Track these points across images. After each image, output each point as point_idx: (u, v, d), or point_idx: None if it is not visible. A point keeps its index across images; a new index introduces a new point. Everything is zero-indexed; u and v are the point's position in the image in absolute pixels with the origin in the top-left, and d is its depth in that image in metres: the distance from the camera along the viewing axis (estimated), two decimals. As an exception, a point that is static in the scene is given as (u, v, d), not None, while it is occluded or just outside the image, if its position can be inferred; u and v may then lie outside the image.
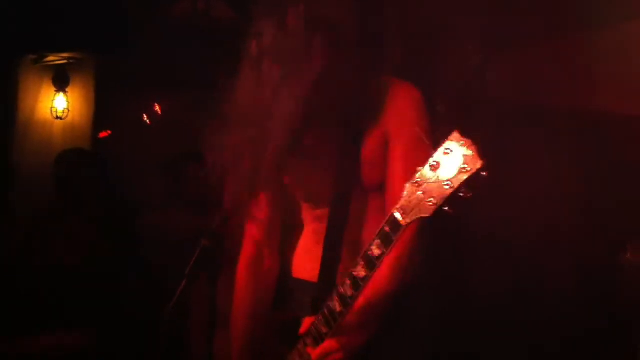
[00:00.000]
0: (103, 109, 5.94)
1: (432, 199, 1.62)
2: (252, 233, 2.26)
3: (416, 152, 1.95)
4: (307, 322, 2.04)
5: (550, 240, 3.59)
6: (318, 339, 1.98)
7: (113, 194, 3.71)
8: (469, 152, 1.57)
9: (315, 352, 1.95)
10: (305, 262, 2.20)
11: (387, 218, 1.75)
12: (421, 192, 1.62)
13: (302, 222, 2.24)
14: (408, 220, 1.70)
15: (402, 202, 1.69)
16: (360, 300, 1.96)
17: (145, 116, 5.71)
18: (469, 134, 1.58)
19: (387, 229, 1.75)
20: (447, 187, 1.59)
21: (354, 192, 2.06)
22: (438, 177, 1.59)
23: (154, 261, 3.61)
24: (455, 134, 1.61)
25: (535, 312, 3.57)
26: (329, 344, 1.94)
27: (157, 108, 5.68)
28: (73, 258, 3.50)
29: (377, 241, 1.78)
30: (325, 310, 1.95)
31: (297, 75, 1.92)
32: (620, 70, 3.38)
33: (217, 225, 2.10)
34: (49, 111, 6.06)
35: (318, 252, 2.14)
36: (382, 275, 1.98)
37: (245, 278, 2.30)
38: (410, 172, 1.79)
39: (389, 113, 2.05)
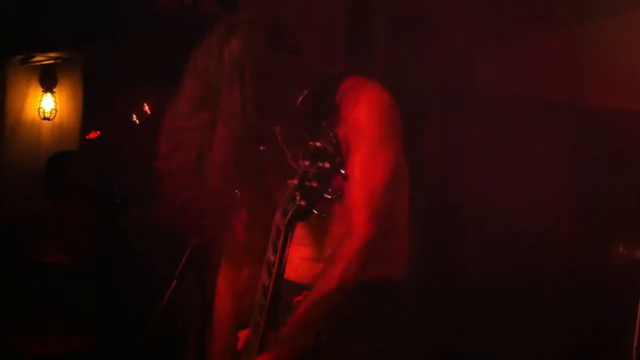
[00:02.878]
0: (91, 109, 5.90)
1: (302, 200, 1.58)
2: (231, 239, 2.20)
3: (375, 159, 1.92)
4: (242, 335, 2.02)
5: (544, 236, 3.58)
6: (252, 350, 1.92)
7: (107, 193, 3.69)
8: (330, 148, 1.53)
9: None
10: (293, 263, 2.16)
11: (273, 224, 1.72)
12: (295, 193, 1.58)
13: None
14: (285, 224, 1.66)
15: (283, 203, 1.64)
16: (298, 310, 1.93)
17: (134, 116, 5.68)
18: (331, 130, 1.54)
19: (273, 234, 1.73)
20: (314, 186, 1.55)
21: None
22: (307, 175, 1.55)
23: (144, 260, 3.59)
24: (323, 126, 1.57)
25: (528, 307, 3.56)
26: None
27: (147, 108, 5.66)
28: (64, 256, 3.48)
29: (270, 246, 1.76)
30: (252, 320, 1.91)
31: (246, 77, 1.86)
32: (614, 63, 3.37)
33: (207, 223, 2.07)
34: (36, 112, 6.02)
35: (303, 252, 2.12)
36: (321, 287, 1.93)
37: (225, 286, 2.27)
38: (367, 181, 1.78)
39: (347, 117, 1.94)
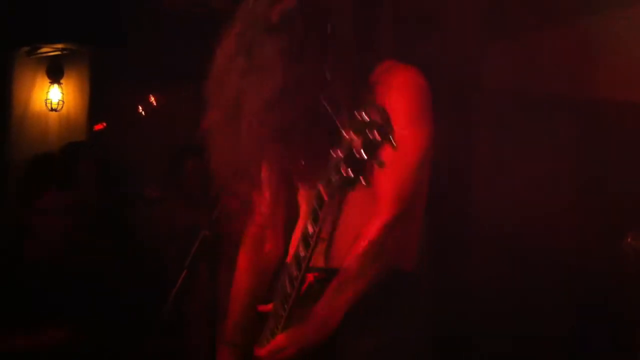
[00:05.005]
0: (98, 100, 5.91)
1: (349, 171, 1.58)
2: (257, 212, 2.23)
3: (407, 140, 1.92)
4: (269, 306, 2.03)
5: (550, 227, 3.58)
6: (277, 324, 1.95)
7: (113, 187, 3.69)
8: (380, 119, 1.54)
9: (264, 349, 1.92)
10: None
11: (315, 193, 1.73)
12: (340, 163, 1.59)
13: (298, 205, 2.22)
14: (329, 194, 1.67)
15: (327, 174, 1.65)
16: (328, 289, 1.93)
17: (140, 108, 5.68)
18: (380, 104, 1.56)
19: (314, 204, 1.73)
20: (361, 157, 1.55)
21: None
22: (353, 146, 1.55)
23: (153, 254, 3.60)
24: (370, 100, 1.59)
25: (535, 299, 3.56)
26: (278, 340, 1.90)
27: (152, 99, 5.65)
28: (71, 251, 3.48)
29: (310, 217, 1.77)
30: (280, 292, 1.93)
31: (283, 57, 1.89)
32: (619, 56, 3.36)
33: (217, 214, 2.08)
34: (43, 103, 6.03)
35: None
36: (351, 263, 1.95)
37: (246, 260, 2.29)
38: (398, 162, 1.77)
39: (382, 97, 1.95)
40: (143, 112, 5.67)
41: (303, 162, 2.03)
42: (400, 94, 1.97)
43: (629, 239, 3.17)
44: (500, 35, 3.67)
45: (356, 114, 1.53)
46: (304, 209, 2.18)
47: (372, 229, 1.94)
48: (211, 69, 2.03)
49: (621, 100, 3.44)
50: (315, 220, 1.75)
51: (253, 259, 2.27)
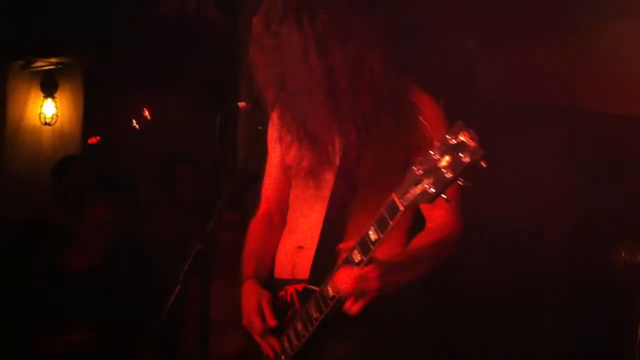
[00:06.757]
0: (92, 114, 5.90)
1: (431, 186, 1.62)
2: (263, 196, 2.32)
3: None
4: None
5: (544, 239, 3.58)
6: (307, 323, 1.98)
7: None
8: (471, 143, 1.58)
9: (352, 273, 1.87)
10: (292, 260, 2.17)
11: (386, 203, 1.74)
12: (421, 179, 1.64)
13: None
14: (405, 205, 1.69)
15: (402, 187, 1.69)
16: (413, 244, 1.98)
17: (134, 121, 5.68)
18: (471, 125, 1.60)
19: (385, 213, 1.75)
20: (447, 175, 1.59)
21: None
22: (439, 165, 1.60)
23: (146, 263, 3.60)
24: (459, 124, 1.61)
25: (529, 312, 3.56)
26: (369, 267, 1.86)
27: (147, 113, 5.66)
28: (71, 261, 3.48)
29: (374, 226, 1.78)
30: (318, 294, 1.94)
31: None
32: (614, 68, 3.39)
33: (211, 227, 2.08)
34: (37, 117, 6.02)
35: (289, 242, 2.17)
36: (439, 223, 2.01)
37: (257, 224, 2.32)
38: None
39: (417, 126, 2.06)
40: (137, 126, 5.67)
41: (305, 162, 2.09)
42: (437, 120, 2.10)
43: (622, 253, 3.18)
44: (493, 46, 3.69)
45: (448, 135, 1.58)
46: (294, 207, 2.21)
47: (443, 242, 2.02)
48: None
49: (616, 111, 3.46)
50: (382, 228, 1.75)
51: (264, 223, 2.30)
